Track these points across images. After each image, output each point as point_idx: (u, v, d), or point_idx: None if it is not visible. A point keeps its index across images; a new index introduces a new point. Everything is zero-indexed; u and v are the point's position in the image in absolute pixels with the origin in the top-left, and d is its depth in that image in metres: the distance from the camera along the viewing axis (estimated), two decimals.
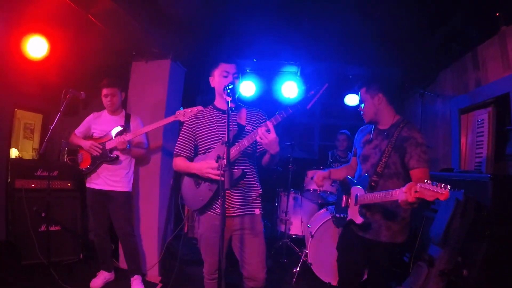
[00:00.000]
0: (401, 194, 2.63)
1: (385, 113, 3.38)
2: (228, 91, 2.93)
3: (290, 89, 6.50)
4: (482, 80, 4.82)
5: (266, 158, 3.24)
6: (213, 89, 3.39)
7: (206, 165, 3.03)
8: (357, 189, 3.32)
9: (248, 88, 6.58)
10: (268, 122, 2.89)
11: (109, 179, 4.62)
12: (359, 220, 3.21)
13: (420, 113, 5.87)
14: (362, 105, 3.46)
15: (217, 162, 2.87)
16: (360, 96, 3.49)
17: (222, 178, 2.63)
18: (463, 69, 5.25)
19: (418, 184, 2.47)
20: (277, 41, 5.46)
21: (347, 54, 5.78)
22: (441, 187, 2.33)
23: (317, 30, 5.04)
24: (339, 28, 4.98)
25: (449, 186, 2.32)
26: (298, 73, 6.54)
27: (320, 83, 6.52)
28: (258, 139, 2.90)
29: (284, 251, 6.00)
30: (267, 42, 5.53)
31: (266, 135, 2.86)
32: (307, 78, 6.62)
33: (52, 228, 5.04)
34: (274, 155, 3.08)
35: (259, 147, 3.28)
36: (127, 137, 4.51)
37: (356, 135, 3.77)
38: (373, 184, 3.21)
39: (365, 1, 4.38)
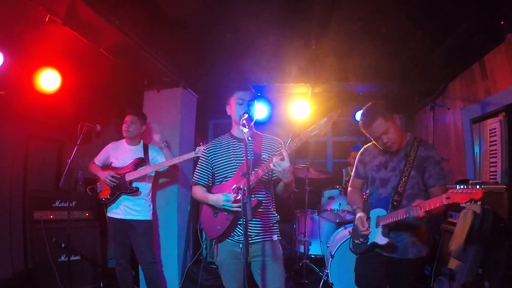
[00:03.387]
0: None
1: (403, 133, 3.33)
2: (244, 121, 2.93)
3: (301, 110, 6.55)
4: (491, 89, 4.81)
5: (280, 187, 3.25)
6: (226, 113, 3.41)
7: (223, 198, 3.05)
8: (377, 211, 3.31)
9: (259, 111, 6.63)
10: (282, 151, 2.88)
11: (130, 209, 4.68)
12: (382, 241, 3.18)
13: (431, 125, 5.86)
14: (384, 136, 3.19)
15: (236, 193, 2.95)
16: (376, 130, 3.19)
17: (239, 209, 2.66)
18: (472, 79, 5.24)
19: (449, 191, 2.59)
20: (285, 64, 5.53)
21: (356, 72, 5.81)
22: (472, 188, 2.46)
23: (325, 50, 5.09)
24: (346, 46, 5.03)
25: (478, 186, 2.47)
26: (309, 93, 6.59)
27: (330, 102, 6.59)
28: (271, 166, 2.89)
29: (304, 271, 5.93)
30: (276, 65, 5.61)
31: (279, 163, 2.85)
32: (317, 98, 6.67)
33: (72, 258, 5.05)
34: (288, 184, 3.08)
35: (275, 175, 3.22)
36: (147, 170, 4.63)
37: (359, 156, 3.65)
38: (395, 203, 3.20)
39: (371, 18, 4.43)
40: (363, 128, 3.31)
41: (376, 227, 3.26)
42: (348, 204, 5.98)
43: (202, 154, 3.43)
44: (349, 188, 3.81)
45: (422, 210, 2.74)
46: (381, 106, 3.24)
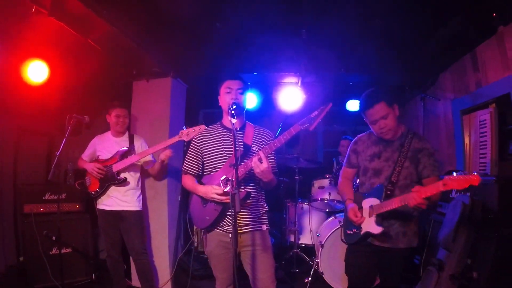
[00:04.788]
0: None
1: (396, 122, 3.33)
2: (233, 111, 2.93)
3: (291, 99, 6.55)
4: (482, 81, 4.83)
5: (261, 182, 3.22)
6: (216, 102, 3.40)
7: (212, 190, 3.05)
8: (370, 201, 3.30)
9: (249, 100, 6.62)
10: (260, 152, 2.89)
11: (120, 200, 4.66)
12: (377, 230, 3.18)
13: (422, 115, 5.88)
14: (382, 121, 3.23)
15: (225, 184, 2.95)
16: (376, 113, 3.21)
17: (229, 200, 2.68)
18: (463, 70, 5.26)
19: (446, 177, 2.64)
20: (276, 53, 5.49)
21: (347, 62, 5.79)
22: (470, 174, 2.52)
23: (316, 39, 5.06)
24: (338, 36, 5.00)
25: (475, 172, 2.52)
26: (299, 83, 6.57)
27: (321, 92, 6.58)
28: (252, 164, 2.91)
29: (295, 261, 5.99)
30: (266, 54, 5.57)
31: (258, 165, 2.86)
32: (308, 88, 6.65)
33: (64, 251, 5.06)
34: (267, 183, 3.10)
35: None
36: (134, 158, 4.59)
37: (352, 145, 3.65)
38: (388, 192, 3.21)
39: (363, 8, 4.40)
40: (362, 110, 3.33)
41: (370, 216, 3.26)
42: (338, 194, 6.02)
43: (192, 143, 3.42)
44: (340, 179, 3.81)
45: (422, 196, 2.77)
46: (385, 91, 3.28)
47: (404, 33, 4.86)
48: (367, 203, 3.32)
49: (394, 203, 3.03)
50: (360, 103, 3.38)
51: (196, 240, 6.05)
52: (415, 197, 2.82)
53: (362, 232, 3.30)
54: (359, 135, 3.66)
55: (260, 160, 2.86)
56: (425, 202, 2.79)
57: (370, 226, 3.24)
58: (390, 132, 3.27)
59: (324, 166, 7.16)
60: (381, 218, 3.20)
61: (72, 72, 5.14)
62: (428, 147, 3.26)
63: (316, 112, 2.90)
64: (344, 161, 3.77)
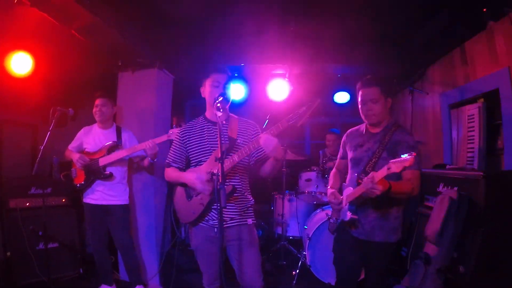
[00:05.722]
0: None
1: (386, 117, 3.41)
2: (218, 104, 2.89)
3: (279, 91, 6.51)
4: (470, 75, 4.84)
5: (268, 165, 3.17)
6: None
7: (199, 180, 3.03)
8: (347, 190, 3.36)
9: (237, 91, 6.59)
10: (273, 128, 2.88)
11: (106, 194, 4.61)
12: (346, 217, 3.26)
13: (410, 108, 5.89)
14: (370, 103, 3.32)
15: (211, 179, 2.91)
16: (368, 94, 3.31)
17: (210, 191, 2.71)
18: (451, 64, 5.27)
19: (390, 161, 2.69)
20: (264, 44, 5.44)
21: (335, 54, 5.76)
22: (405, 157, 2.60)
23: (304, 31, 5.02)
24: (325, 28, 4.97)
25: (414, 153, 2.59)
26: (287, 75, 6.54)
27: (309, 84, 6.54)
28: (262, 143, 2.87)
29: (282, 253, 6.00)
30: (254, 45, 5.52)
31: (269, 142, 2.82)
32: (295, 79, 6.62)
33: (50, 246, 4.99)
34: (280, 159, 3.06)
35: (258, 154, 3.23)
36: (121, 153, 4.53)
37: (344, 138, 3.75)
38: (360, 181, 3.19)
39: (352, 1, 4.37)
40: (358, 88, 3.42)
41: (344, 205, 3.33)
42: (325, 186, 6.04)
43: (176, 137, 3.38)
44: (333, 169, 3.93)
45: (373, 181, 2.81)
46: (385, 81, 3.38)
47: (393, 26, 4.84)
48: (346, 192, 3.39)
49: (358, 191, 3.09)
50: (359, 83, 3.46)
51: (183, 233, 6.02)
52: (366, 181, 2.87)
53: (339, 220, 3.44)
54: (350, 129, 3.75)
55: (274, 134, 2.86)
56: (377, 188, 2.81)
57: (344, 214, 3.34)
58: (374, 117, 3.34)
59: (311, 159, 7.15)
60: (355, 207, 3.27)
61: (56, 63, 5.06)
62: (408, 140, 3.24)
63: (304, 108, 2.90)
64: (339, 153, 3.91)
